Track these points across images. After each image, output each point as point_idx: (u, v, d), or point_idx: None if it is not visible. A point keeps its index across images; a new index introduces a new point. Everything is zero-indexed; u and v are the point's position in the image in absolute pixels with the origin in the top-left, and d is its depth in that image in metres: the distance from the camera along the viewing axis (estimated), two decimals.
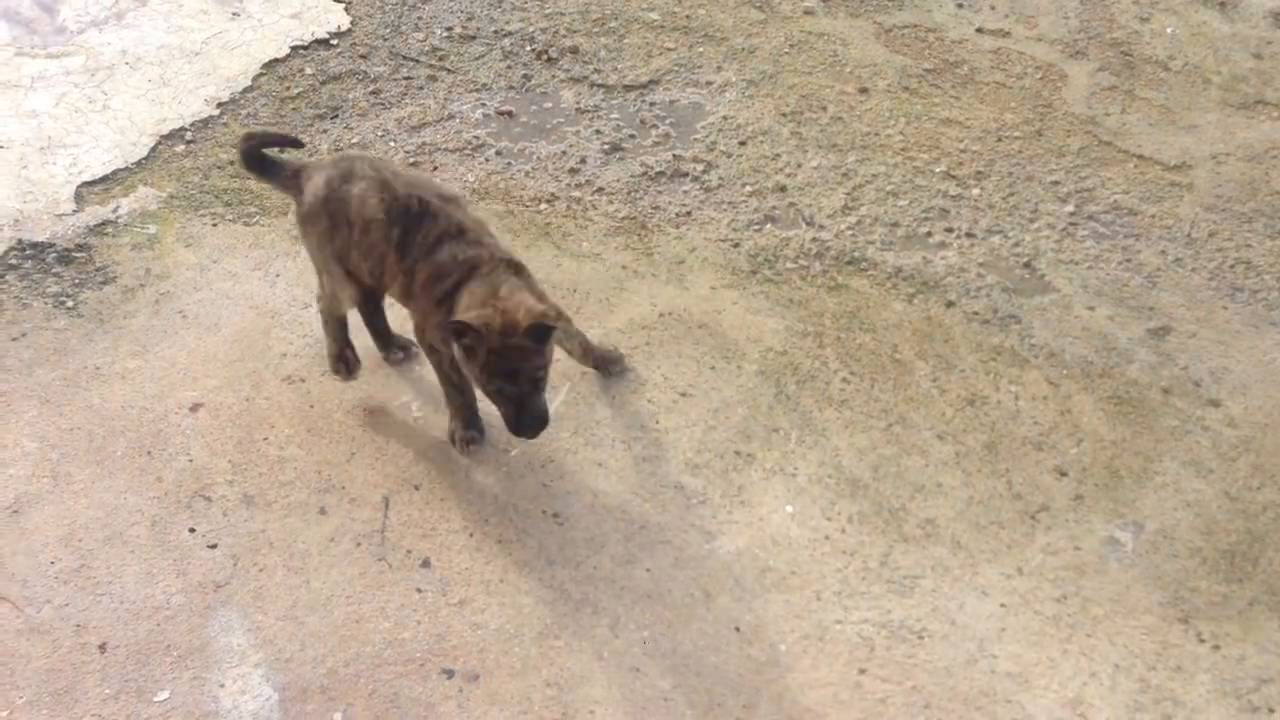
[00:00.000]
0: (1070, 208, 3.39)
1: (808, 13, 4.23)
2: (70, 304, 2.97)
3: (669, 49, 4.02)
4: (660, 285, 3.17)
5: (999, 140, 3.63)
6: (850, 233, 3.34)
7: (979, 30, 4.10)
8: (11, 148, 3.38)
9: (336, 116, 3.68)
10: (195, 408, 2.77)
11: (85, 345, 2.88)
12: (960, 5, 4.22)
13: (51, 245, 3.11)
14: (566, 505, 2.60)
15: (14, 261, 3.06)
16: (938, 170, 3.53)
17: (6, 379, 2.77)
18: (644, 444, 2.74)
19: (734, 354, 2.95)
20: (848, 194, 3.47)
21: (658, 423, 2.79)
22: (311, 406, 2.79)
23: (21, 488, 2.55)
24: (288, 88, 3.75)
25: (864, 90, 3.88)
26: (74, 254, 3.10)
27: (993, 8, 4.21)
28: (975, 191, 3.45)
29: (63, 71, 3.68)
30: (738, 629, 2.37)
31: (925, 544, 2.53)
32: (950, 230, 3.32)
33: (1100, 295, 3.13)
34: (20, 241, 3.11)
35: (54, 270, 3.06)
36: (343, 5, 4.09)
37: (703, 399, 2.85)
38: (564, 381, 2.82)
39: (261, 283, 3.09)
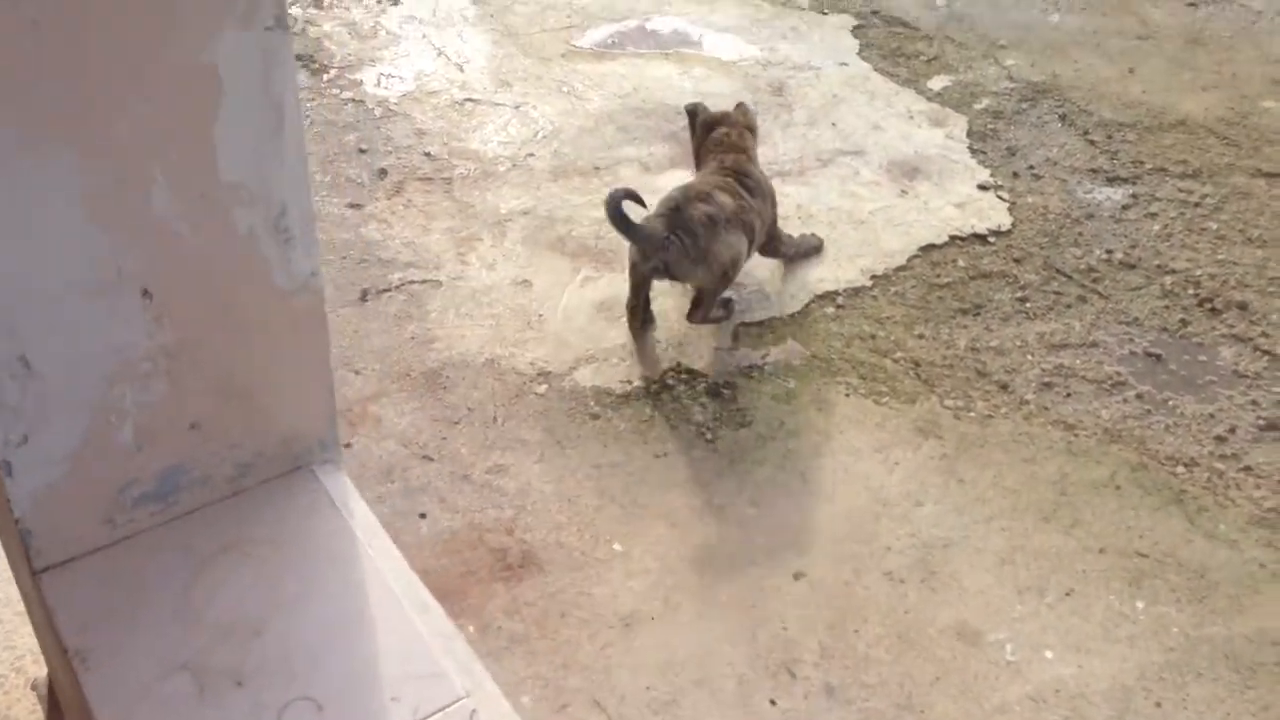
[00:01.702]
0: None
1: None
2: (709, 437, 3.18)
3: None
4: None
5: None
6: None
7: None
8: None
9: (978, 314, 3.68)
10: (797, 576, 2.84)
11: (715, 480, 3.06)
12: None
13: (704, 376, 3.36)
14: None
15: (670, 382, 3.34)
16: None
17: (644, 494, 3.01)
18: None
19: None
20: None
21: None
22: (907, 612, 2.76)
23: (638, 604, 2.74)
24: (938, 275, 3.82)
25: None
26: (721, 389, 3.33)
27: None
28: None
29: None
30: None
31: None
32: None
33: None
34: (679, 365, 3.39)
35: (701, 400, 3.29)
36: (1007, 205, 4.11)
37: None
38: None
39: (880, 466, 3.13)
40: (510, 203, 3.96)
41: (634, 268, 3.37)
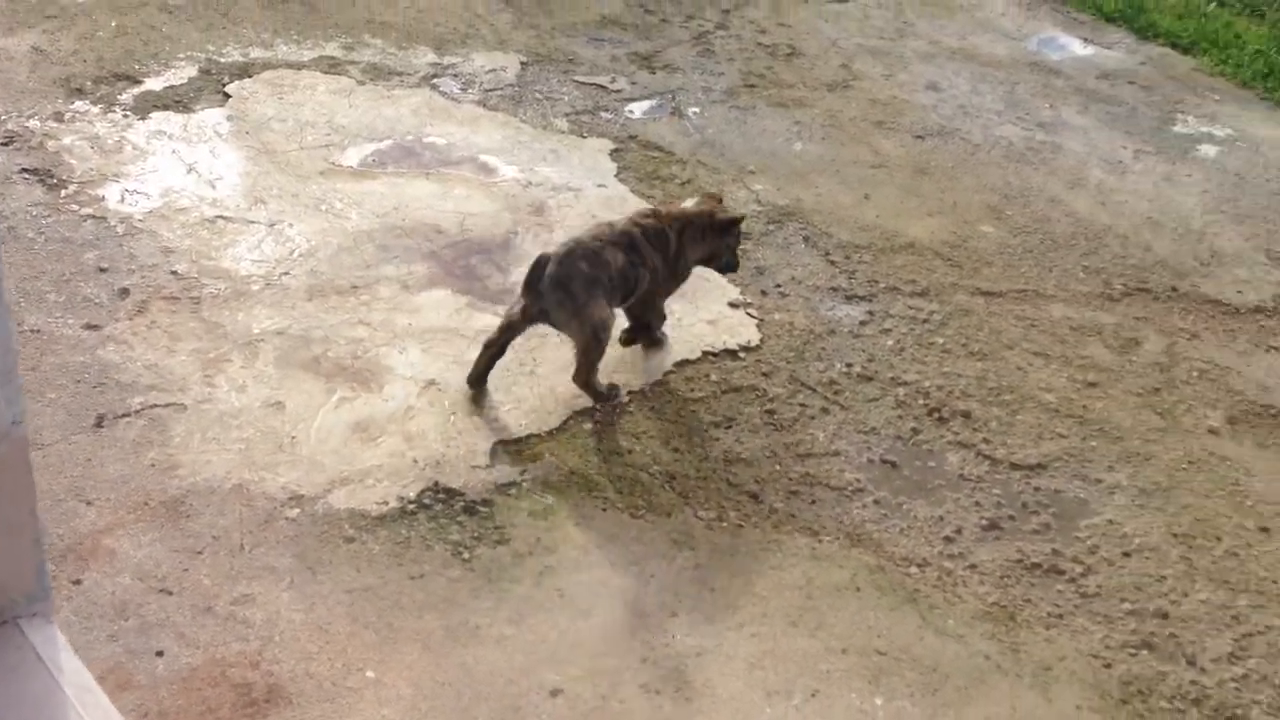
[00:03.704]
0: None
1: (1212, 431, 4.10)
2: (466, 556, 3.17)
3: (1061, 435, 3.98)
4: (1023, 689, 3.03)
5: None
6: (1235, 685, 3.12)
7: None
8: (447, 392, 3.73)
9: (730, 427, 3.84)
10: (555, 693, 2.84)
11: (471, 600, 3.05)
12: None
13: (462, 494, 3.36)
14: None
15: (427, 501, 3.32)
16: None
17: (399, 617, 2.96)
18: None
19: None
20: (1235, 640, 3.26)
21: None
22: None
23: None
24: (692, 389, 3.97)
25: (1265, 530, 3.68)
26: (479, 507, 3.33)
27: None
28: None
29: None
30: None
31: None
32: None
33: None
34: (437, 484, 3.38)
35: (458, 519, 3.29)
36: (756, 322, 4.33)
37: None
38: None
39: (635, 580, 3.19)
40: (263, 323, 3.89)
41: (515, 312, 3.65)
